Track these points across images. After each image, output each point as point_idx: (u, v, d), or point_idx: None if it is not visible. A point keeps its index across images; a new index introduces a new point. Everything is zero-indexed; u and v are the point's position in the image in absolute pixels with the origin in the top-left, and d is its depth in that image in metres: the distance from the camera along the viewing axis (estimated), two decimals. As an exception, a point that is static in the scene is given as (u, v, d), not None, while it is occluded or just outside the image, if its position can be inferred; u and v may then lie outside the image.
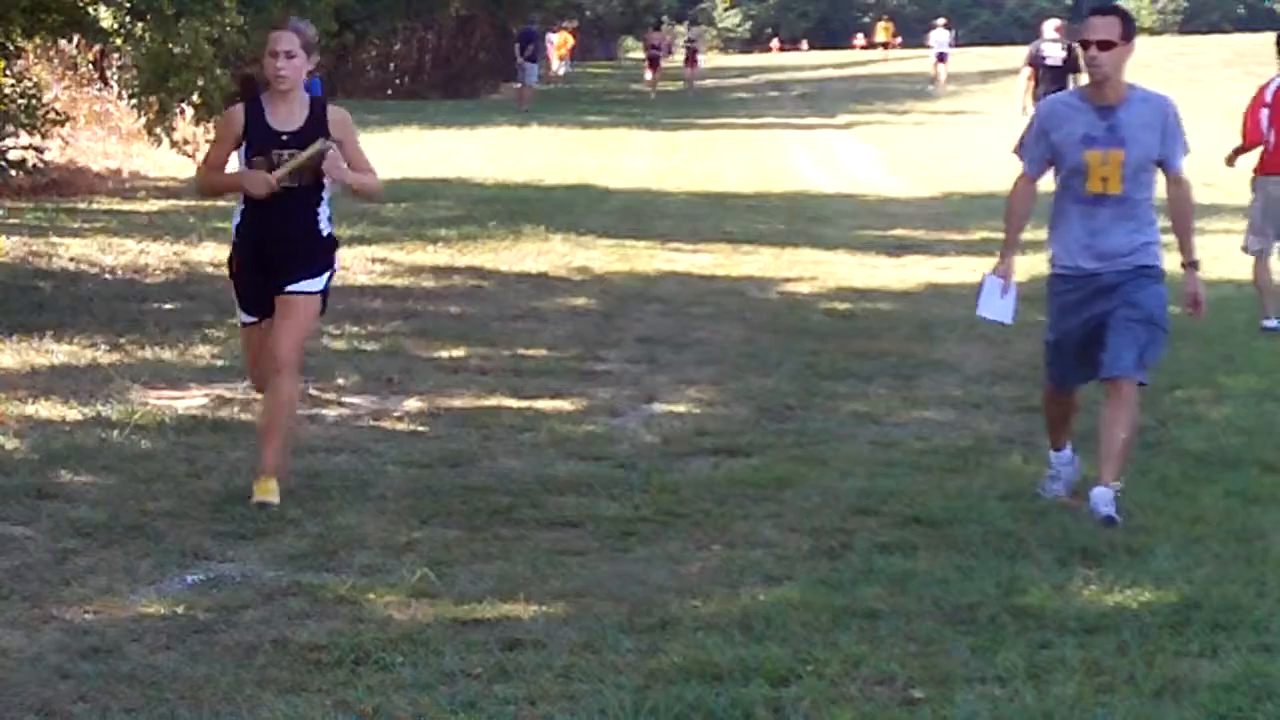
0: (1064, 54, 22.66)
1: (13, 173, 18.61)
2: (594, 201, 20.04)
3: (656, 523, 6.93)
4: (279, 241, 7.28)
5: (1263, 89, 12.28)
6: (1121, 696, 5.01)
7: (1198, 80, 42.47)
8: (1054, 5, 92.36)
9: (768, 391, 9.64)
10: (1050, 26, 23.51)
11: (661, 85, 47.78)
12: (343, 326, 11.21)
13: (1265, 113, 12.04)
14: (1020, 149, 7.35)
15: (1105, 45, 7.00)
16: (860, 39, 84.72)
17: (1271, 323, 11.95)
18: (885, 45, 67.49)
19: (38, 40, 20.63)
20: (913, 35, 75.80)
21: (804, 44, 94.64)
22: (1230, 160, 12.54)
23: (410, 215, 18.02)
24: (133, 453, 7.81)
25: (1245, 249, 12.30)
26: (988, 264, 14.76)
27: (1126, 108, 7.06)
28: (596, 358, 10.64)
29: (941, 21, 51.99)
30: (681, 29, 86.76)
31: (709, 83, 51.05)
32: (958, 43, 73.75)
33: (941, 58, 49.04)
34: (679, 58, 62.59)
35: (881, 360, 10.59)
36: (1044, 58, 22.73)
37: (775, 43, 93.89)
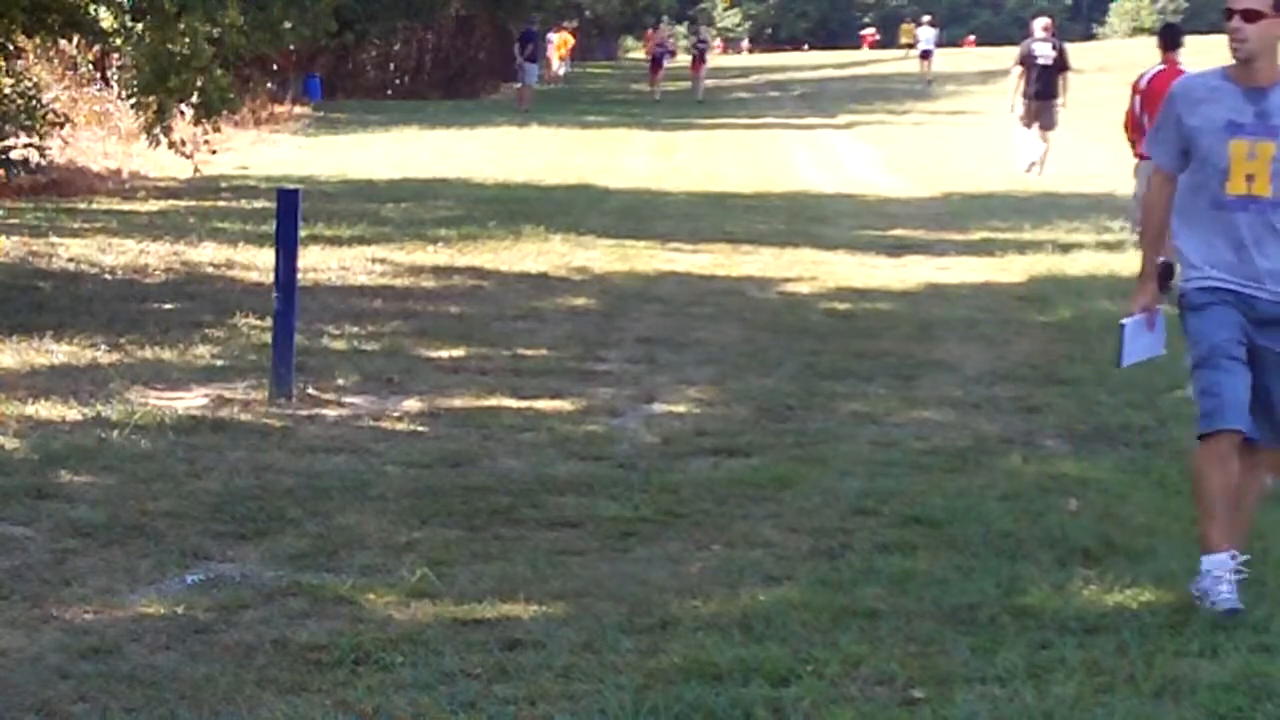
0: (1054, 53, 22.70)
1: (15, 171, 18.60)
2: (594, 201, 20.04)
3: (656, 523, 6.93)
4: None
5: (1136, 81, 13.02)
6: (1121, 696, 5.01)
7: (1198, 80, 42.39)
8: (1053, 4, 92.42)
9: (768, 391, 9.64)
10: (1039, 25, 23.56)
11: (663, 86, 47.68)
12: (343, 326, 11.22)
13: (1138, 101, 12.75)
14: (1150, 146, 6.21)
15: (1252, 15, 5.85)
16: (871, 32, 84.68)
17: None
18: (909, 46, 67.74)
19: (38, 40, 20.62)
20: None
21: (745, 44, 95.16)
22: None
23: (410, 215, 18.03)
24: (133, 453, 7.80)
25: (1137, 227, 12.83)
26: (988, 264, 15.01)
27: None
28: (596, 358, 10.64)
29: (927, 19, 52.40)
30: (680, 29, 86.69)
31: (709, 83, 51.00)
32: (958, 42, 73.91)
33: (926, 55, 49.32)
34: (682, 58, 62.47)
35: (881, 360, 10.59)
36: (1035, 57, 22.76)
37: (719, 42, 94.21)
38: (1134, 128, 12.93)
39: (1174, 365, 10.20)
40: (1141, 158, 12.96)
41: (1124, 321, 6.19)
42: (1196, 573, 5.85)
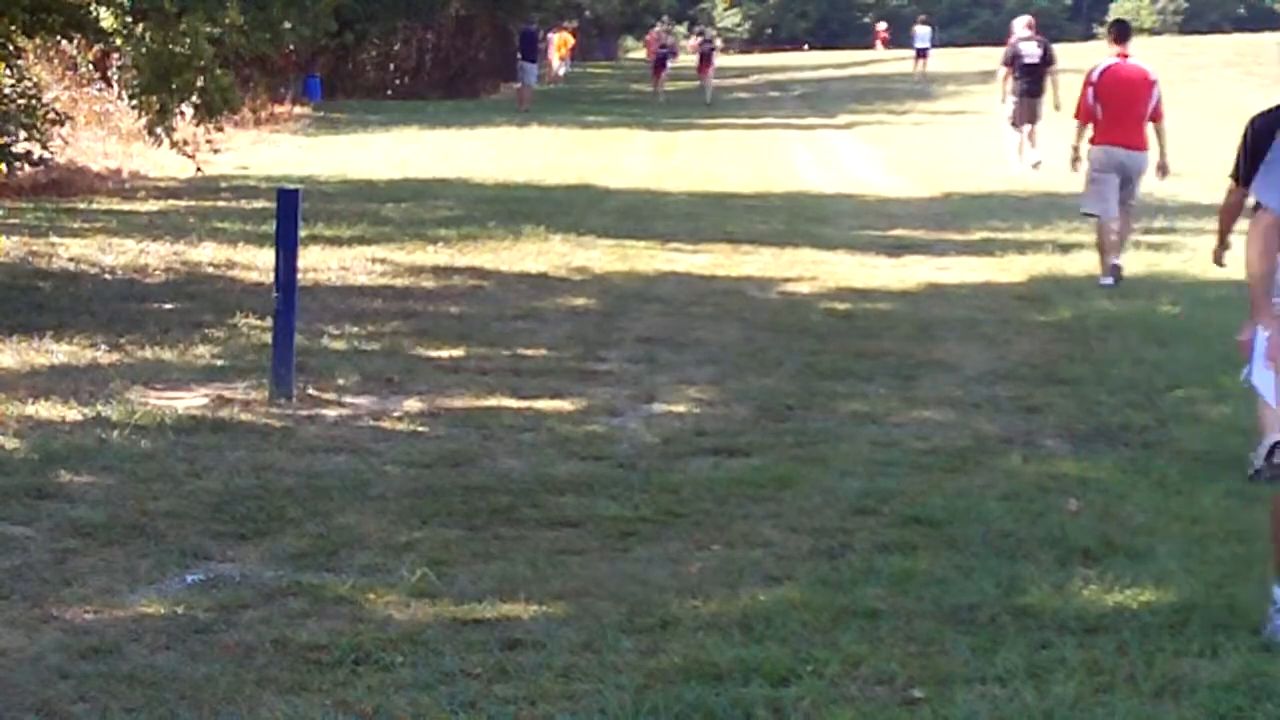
0: (1039, 51, 22.84)
1: (18, 166, 18.58)
2: (594, 201, 20.04)
3: (656, 523, 6.93)
4: None
5: (1090, 73, 13.88)
6: (1121, 696, 5.01)
7: (1198, 80, 42.50)
8: (1053, 4, 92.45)
9: (768, 391, 9.64)
10: (1021, 24, 23.73)
11: (666, 87, 47.62)
12: (343, 326, 11.22)
13: (1090, 91, 13.67)
14: (1260, 188, 5.59)
15: None
16: (883, 27, 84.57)
17: (1108, 280, 13.38)
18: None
19: (38, 40, 20.62)
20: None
21: (720, 44, 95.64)
22: (1075, 152, 14.11)
23: (410, 215, 18.03)
24: (133, 453, 7.80)
25: (1085, 213, 13.98)
26: (988, 264, 15.01)
27: None
28: (596, 358, 10.64)
29: (922, 18, 52.81)
30: (680, 29, 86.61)
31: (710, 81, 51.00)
32: (957, 43, 73.99)
33: (921, 54, 49.62)
34: (683, 59, 62.36)
35: (881, 360, 10.59)
36: (1021, 56, 22.90)
37: (721, 43, 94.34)
38: (1087, 116, 13.80)
39: (1174, 365, 10.23)
40: (1093, 142, 13.76)
41: (1261, 330, 5.54)
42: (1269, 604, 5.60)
